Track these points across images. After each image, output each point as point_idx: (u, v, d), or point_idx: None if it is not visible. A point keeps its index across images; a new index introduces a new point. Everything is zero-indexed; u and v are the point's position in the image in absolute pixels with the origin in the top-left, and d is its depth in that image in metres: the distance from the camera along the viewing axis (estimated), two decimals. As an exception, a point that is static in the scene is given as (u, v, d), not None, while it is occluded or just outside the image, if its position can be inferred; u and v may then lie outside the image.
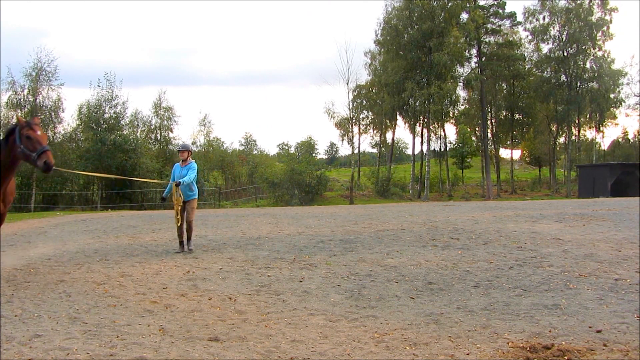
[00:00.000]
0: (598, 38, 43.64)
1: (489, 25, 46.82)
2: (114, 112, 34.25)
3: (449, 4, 41.12)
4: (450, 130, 63.61)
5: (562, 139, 50.66)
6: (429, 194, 41.52)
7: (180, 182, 9.54)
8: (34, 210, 29.21)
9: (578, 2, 43.52)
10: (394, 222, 14.23)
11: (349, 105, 47.56)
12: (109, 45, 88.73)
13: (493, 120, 51.06)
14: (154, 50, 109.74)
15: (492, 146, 49.83)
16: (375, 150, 63.78)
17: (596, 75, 43.78)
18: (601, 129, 52.10)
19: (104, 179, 32.93)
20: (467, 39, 42.57)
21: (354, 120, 49.78)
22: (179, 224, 9.72)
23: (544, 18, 45.11)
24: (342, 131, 51.53)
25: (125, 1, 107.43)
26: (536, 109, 48.12)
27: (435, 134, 49.14)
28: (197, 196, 10.15)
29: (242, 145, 60.32)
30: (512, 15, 47.64)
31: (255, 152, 57.00)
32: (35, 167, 6.11)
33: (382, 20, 43.70)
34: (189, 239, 9.86)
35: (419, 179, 44.65)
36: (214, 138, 46.27)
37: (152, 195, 33.44)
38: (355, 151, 52.86)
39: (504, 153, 57.84)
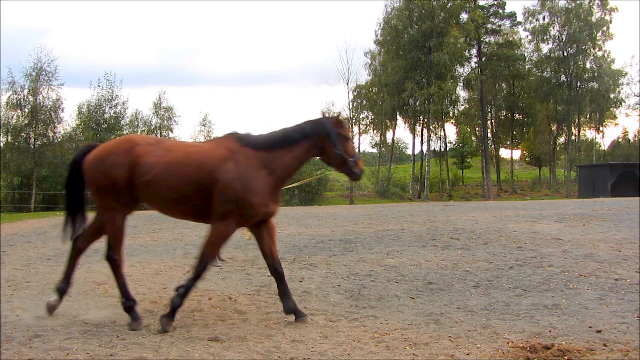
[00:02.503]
0: (598, 38, 43.65)
1: (488, 25, 46.86)
2: (114, 112, 34.27)
3: (449, 4, 41.15)
4: (450, 130, 63.53)
5: (562, 139, 50.69)
6: (429, 194, 41.54)
7: None
8: (34, 210, 29.20)
9: (578, 2, 43.52)
10: (394, 222, 14.23)
11: (349, 105, 47.52)
12: (111, 46, 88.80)
13: (493, 120, 51.09)
14: (156, 50, 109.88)
15: (492, 146, 49.85)
16: (375, 150, 63.76)
17: (596, 75, 43.78)
18: (601, 129, 52.17)
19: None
20: (467, 39, 42.61)
21: (354, 120, 49.76)
22: None
23: (543, 18, 45.14)
24: (340, 131, 51.42)
25: (129, 1, 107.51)
26: (536, 109, 48.14)
27: (435, 134, 49.17)
28: None
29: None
30: (512, 15, 47.70)
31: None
32: (345, 173, 5.35)
33: (382, 20, 43.77)
34: None
35: (419, 179, 44.67)
36: (214, 138, 46.29)
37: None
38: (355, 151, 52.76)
39: (504, 153, 57.88)
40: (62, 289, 5.34)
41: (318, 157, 5.47)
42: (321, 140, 5.18)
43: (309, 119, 5.34)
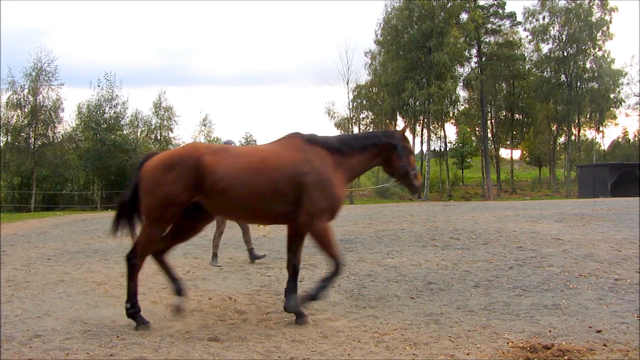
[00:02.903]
0: (598, 38, 43.66)
1: (488, 25, 46.88)
2: (114, 112, 34.29)
3: (449, 4, 41.15)
4: (450, 130, 63.60)
5: (562, 139, 50.69)
6: (429, 194, 41.53)
7: None
8: (34, 210, 29.21)
9: (578, 2, 43.53)
10: (394, 222, 14.23)
11: (349, 105, 47.54)
12: (111, 46, 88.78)
13: (493, 120, 51.09)
14: (156, 50, 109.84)
15: (492, 146, 49.86)
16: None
17: (596, 75, 43.79)
18: (601, 129, 52.17)
19: (102, 178, 32.98)
20: (467, 39, 42.61)
21: (354, 121, 49.78)
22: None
23: (543, 18, 45.16)
24: (342, 131, 51.48)
25: (129, 1, 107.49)
26: (536, 109, 48.15)
27: (435, 134, 49.21)
28: None
29: (242, 145, 60.37)
30: (512, 15, 47.72)
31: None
32: (405, 185, 5.58)
33: (382, 20, 43.77)
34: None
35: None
36: (214, 138, 46.31)
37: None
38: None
39: (504, 153, 57.92)
40: (179, 289, 5.24)
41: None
42: (388, 150, 5.36)
43: (378, 129, 5.44)
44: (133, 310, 4.94)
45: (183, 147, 5.22)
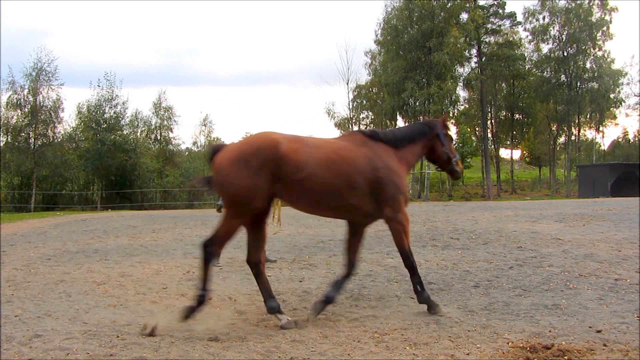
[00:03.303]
0: (598, 38, 43.60)
1: (488, 25, 46.82)
2: (114, 112, 34.29)
3: (449, 4, 41.12)
4: (450, 130, 63.45)
5: (562, 139, 50.66)
6: (429, 194, 41.52)
7: None
8: (34, 210, 29.21)
9: (578, 2, 43.50)
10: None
11: (349, 105, 47.53)
12: (111, 46, 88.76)
13: (493, 120, 51.06)
14: (156, 50, 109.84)
15: (492, 146, 49.83)
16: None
17: (596, 75, 43.74)
18: (601, 129, 52.13)
19: (102, 178, 32.98)
20: (467, 39, 42.58)
21: (354, 121, 49.78)
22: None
23: (543, 18, 45.10)
24: (342, 131, 51.49)
25: (130, 1, 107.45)
26: (536, 109, 48.11)
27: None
28: None
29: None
30: (512, 15, 47.65)
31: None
32: (448, 171, 5.91)
33: (382, 20, 43.73)
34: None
35: (418, 179, 44.65)
36: (214, 138, 46.33)
37: (152, 195, 33.46)
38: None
39: (504, 153, 57.88)
40: (274, 307, 5.04)
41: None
42: (432, 139, 5.70)
43: (419, 121, 5.92)
44: (203, 299, 4.87)
45: (257, 137, 5.06)
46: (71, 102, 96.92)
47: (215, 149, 5.03)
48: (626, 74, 46.63)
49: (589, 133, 54.02)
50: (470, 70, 45.95)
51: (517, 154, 58.68)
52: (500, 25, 47.48)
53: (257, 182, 4.70)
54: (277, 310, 5.03)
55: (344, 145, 5.16)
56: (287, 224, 14.41)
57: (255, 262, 5.11)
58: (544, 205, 20.67)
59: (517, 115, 50.25)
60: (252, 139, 5.07)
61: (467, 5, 43.21)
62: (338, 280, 5.36)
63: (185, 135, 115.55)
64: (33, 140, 31.96)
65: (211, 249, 4.86)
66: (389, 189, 5.10)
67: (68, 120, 36.68)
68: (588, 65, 44.35)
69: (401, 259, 5.35)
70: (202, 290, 4.87)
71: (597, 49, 44.09)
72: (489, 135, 48.56)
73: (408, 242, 5.39)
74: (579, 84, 44.30)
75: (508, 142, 52.52)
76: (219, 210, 9.04)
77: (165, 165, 36.03)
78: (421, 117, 6.30)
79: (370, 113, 51.88)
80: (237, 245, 10.45)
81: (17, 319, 5.25)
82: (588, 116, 48.18)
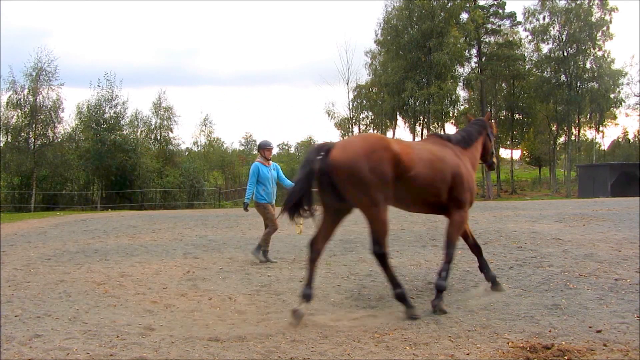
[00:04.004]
0: (598, 38, 43.61)
1: (488, 25, 46.85)
2: (114, 112, 34.27)
3: (449, 4, 41.15)
4: (451, 130, 63.53)
5: (562, 139, 50.65)
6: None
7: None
8: (34, 210, 29.20)
9: (578, 2, 43.49)
10: (394, 222, 14.23)
11: (349, 105, 47.52)
12: (111, 46, 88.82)
13: (493, 120, 50.99)
14: (157, 50, 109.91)
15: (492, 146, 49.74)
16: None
17: (596, 75, 43.75)
18: (601, 129, 52.11)
19: (102, 178, 32.98)
20: (467, 39, 42.59)
21: (354, 121, 49.78)
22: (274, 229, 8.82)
23: (544, 18, 45.10)
24: (342, 131, 51.51)
25: (130, 1, 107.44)
26: (536, 109, 48.11)
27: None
28: None
29: (242, 145, 60.35)
30: (512, 15, 47.69)
31: (255, 152, 57.00)
32: (487, 163, 6.83)
33: (382, 20, 43.77)
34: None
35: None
36: (214, 138, 46.38)
37: (152, 195, 33.46)
38: (356, 151, 52.66)
39: (504, 153, 57.83)
40: (308, 295, 5.19)
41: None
42: (485, 136, 6.48)
43: (473, 120, 6.56)
44: (399, 290, 5.18)
45: (371, 136, 5.44)
46: (71, 102, 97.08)
47: (323, 150, 5.05)
48: (626, 74, 46.67)
49: (589, 133, 54.07)
50: (470, 70, 45.98)
51: (517, 154, 58.67)
52: (500, 25, 47.51)
53: (385, 172, 4.95)
54: (307, 298, 5.21)
55: (432, 147, 5.67)
56: (287, 224, 14.41)
57: (317, 250, 5.29)
58: (544, 205, 20.68)
59: (517, 115, 50.25)
60: (367, 138, 5.26)
61: (467, 5, 43.23)
62: (442, 268, 5.73)
63: (185, 135, 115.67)
64: (33, 140, 31.96)
65: (381, 249, 5.06)
66: (464, 187, 5.59)
67: (68, 120, 36.69)
68: (588, 65, 44.35)
69: (445, 246, 5.68)
70: (397, 288, 5.21)
71: (597, 49, 44.10)
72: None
73: (459, 237, 5.88)
74: (579, 84, 44.30)
75: (508, 142, 52.51)
76: (246, 209, 9.02)
77: (165, 165, 36.01)
78: (470, 117, 7.05)
79: (370, 113, 51.90)
80: (237, 246, 10.46)
81: (17, 319, 5.25)
82: (588, 116, 48.19)
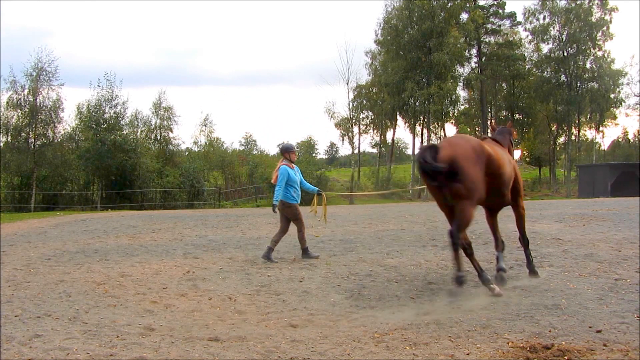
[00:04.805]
0: (598, 38, 43.63)
1: (488, 25, 46.90)
2: (114, 112, 34.25)
3: (449, 4, 41.17)
4: (451, 130, 63.54)
5: (562, 139, 50.66)
6: (429, 194, 41.44)
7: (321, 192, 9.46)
8: (34, 210, 29.19)
9: (578, 2, 43.50)
10: (394, 222, 14.23)
11: (349, 105, 47.52)
12: (112, 45, 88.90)
13: (493, 120, 51.06)
14: (157, 50, 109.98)
15: (492, 146, 49.74)
16: (375, 150, 63.78)
17: (596, 75, 43.76)
18: (601, 129, 52.10)
19: (102, 178, 32.99)
20: (467, 39, 42.62)
21: (354, 120, 49.77)
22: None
23: (544, 18, 45.13)
24: (342, 131, 51.51)
25: (131, 1, 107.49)
26: (536, 109, 48.13)
27: (436, 134, 49.15)
28: None
29: (242, 145, 60.31)
30: (512, 15, 47.75)
31: (255, 152, 56.99)
32: None
33: (382, 20, 43.76)
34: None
35: (418, 179, 44.63)
36: (214, 138, 46.34)
37: (152, 195, 33.45)
38: (355, 151, 52.90)
39: (504, 153, 57.76)
40: (461, 279, 5.70)
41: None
42: (510, 141, 7.19)
43: (500, 128, 7.38)
44: (462, 280, 5.67)
45: (468, 137, 5.98)
46: (71, 102, 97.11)
47: (433, 150, 5.46)
48: (626, 74, 46.65)
49: (589, 133, 54.05)
50: (470, 70, 46.02)
51: (517, 154, 58.63)
52: (500, 25, 47.56)
53: (483, 174, 5.64)
54: (490, 280, 5.94)
55: (500, 149, 6.36)
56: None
57: (468, 243, 5.91)
58: (544, 205, 20.68)
59: (517, 115, 50.26)
60: (468, 139, 5.81)
61: (467, 5, 43.26)
62: (498, 256, 6.67)
63: (185, 135, 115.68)
64: (33, 140, 31.95)
65: (458, 236, 5.55)
66: (520, 181, 6.55)
67: (68, 120, 36.67)
68: (588, 65, 44.38)
69: (520, 236, 6.69)
70: (459, 272, 5.65)
71: (597, 49, 44.13)
72: (489, 135, 48.50)
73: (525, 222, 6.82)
74: (579, 84, 44.32)
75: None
76: (275, 210, 9.18)
77: (165, 165, 35.99)
78: (494, 123, 8.52)
79: (370, 113, 51.88)
80: (237, 246, 10.46)
81: (17, 319, 5.25)
82: (588, 116, 48.19)
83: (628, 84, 47.21)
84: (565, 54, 44.32)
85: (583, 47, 43.64)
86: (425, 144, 6.63)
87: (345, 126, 49.20)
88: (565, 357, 3.95)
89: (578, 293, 5.90)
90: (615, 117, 52.27)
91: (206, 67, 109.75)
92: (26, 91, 31.66)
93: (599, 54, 44.30)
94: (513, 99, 49.16)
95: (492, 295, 5.72)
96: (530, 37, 46.54)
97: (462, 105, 49.42)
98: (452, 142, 5.67)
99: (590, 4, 43.85)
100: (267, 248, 8.84)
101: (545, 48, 46.21)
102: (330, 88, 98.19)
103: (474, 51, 46.16)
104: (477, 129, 51.29)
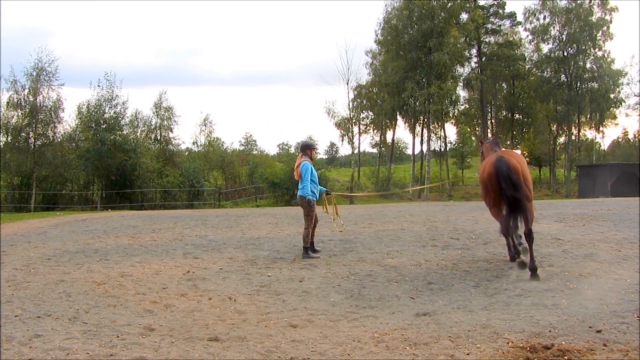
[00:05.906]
0: (598, 38, 43.59)
1: (488, 25, 46.88)
2: (114, 112, 34.24)
3: (449, 4, 41.15)
4: (450, 130, 63.64)
5: (562, 139, 50.65)
6: (429, 194, 41.51)
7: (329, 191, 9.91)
8: (34, 210, 29.19)
9: (578, 2, 43.48)
10: (394, 222, 14.23)
11: (349, 105, 47.51)
12: (112, 45, 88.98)
13: (493, 120, 51.07)
14: (157, 50, 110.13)
15: (492, 146, 49.72)
16: (375, 150, 63.79)
17: (596, 75, 43.73)
18: (601, 129, 52.07)
19: (102, 178, 33.00)
20: (467, 39, 42.60)
21: (354, 120, 49.76)
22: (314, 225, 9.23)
23: (544, 18, 45.09)
24: (342, 131, 51.49)
25: (132, 1, 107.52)
26: (536, 109, 48.13)
27: (435, 134, 49.17)
28: None
29: (242, 145, 60.34)
30: (512, 15, 47.72)
31: (255, 152, 57.04)
32: None
33: (382, 20, 43.74)
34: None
35: (419, 179, 44.66)
36: (214, 138, 46.37)
37: (152, 195, 33.46)
38: (355, 151, 52.90)
39: (504, 153, 57.73)
40: (534, 267, 6.75)
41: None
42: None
43: (494, 140, 8.45)
44: (533, 265, 6.74)
45: (514, 152, 7.56)
46: (71, 102, 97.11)
47: (506, 160, 6.95)
48: (626, 74, 46.58)
49: (589, 133, 54.01)
50: (470, 70, 45.99)
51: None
52: (500, 25, 47.54)
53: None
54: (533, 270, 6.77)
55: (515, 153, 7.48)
56: (287, 224, 14.42)
57: (528, 232, 6.89)
58: (544, 205, 20.67)
59: (517, 115, 50.28)
60: (515, 154, 7.36)
61: (467, 5, 43.23)
62: (526, 248, 7.23)
63: (185, 135, 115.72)
64: (33, 140, 31.94)
65: (531, 230, 6.85)
66: (531, 182, 7.30)
67: (68, 120, 36.68)
68: (588, 65, 44.34)
69: (527, 231, 6.95)
70: (531, 262, 6.76)
71: (597, 49, 44.07)
72: (489, 135, 48.54)
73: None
74: (579, 84, 44.29)
75: (508, 142, 52.51)
76: (311, 205, 9.13)
77: (165, 165, 35.99)
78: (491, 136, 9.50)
79: (370, 113, 51.87)
80: (237, 246, 10.46)
81: (17, 319, 5.25)
82: (588, 116, 48.16)
83: (628, 84, 47.18)
84: (565, 54, 44.29)
85: (583, 47, 43.59)
86: (497, 155, 7.24)
87: (345, 126, 49.19)
88: (565, 357, 3.96)
89: (578, 293, 5.90)
90: (615, 117, 52.25)
91: (206, 67, 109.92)
92: (26, 91, 31.64)
93: (599, 54, 44.26)
94: (513, 99, 49.14)
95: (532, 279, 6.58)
96: (530, 37, 46.51)
97: (462, 105, 49.40)
98: (514, 156, 7.17)
99: (591, 4, 43.81)
100: (303, 248, 8.96)
101: (545, 48, 46.21)
102: (330, 88, 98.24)
103: (474, 51, 46.14)
104: (477, 129, 51.30)
